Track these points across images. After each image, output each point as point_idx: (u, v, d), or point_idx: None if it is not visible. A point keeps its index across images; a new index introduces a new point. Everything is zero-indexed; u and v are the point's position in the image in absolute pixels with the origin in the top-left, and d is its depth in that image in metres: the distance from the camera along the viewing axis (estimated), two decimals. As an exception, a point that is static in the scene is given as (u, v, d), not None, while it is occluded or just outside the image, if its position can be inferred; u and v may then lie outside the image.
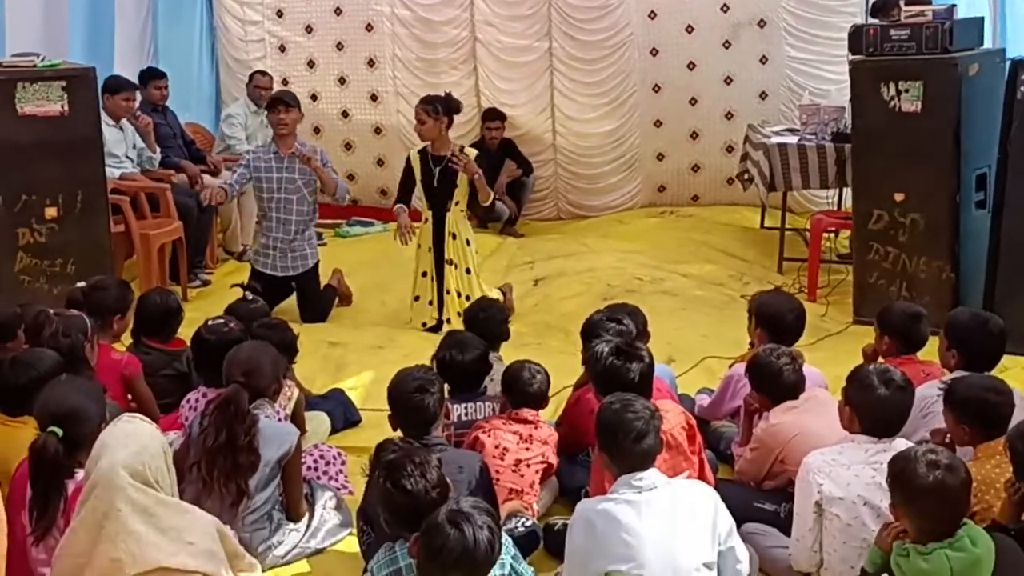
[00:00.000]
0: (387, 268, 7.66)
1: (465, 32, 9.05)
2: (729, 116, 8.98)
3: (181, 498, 3.31)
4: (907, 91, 6.12)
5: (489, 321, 5.01)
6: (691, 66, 8.92)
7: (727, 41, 8.81)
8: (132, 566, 2.95)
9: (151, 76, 8.12)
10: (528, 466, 4.16)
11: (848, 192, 7.43)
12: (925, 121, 6.09)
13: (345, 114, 9.43)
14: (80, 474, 3.27)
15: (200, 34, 9.41)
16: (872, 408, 3.54)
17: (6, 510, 2.84)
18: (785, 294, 5.20)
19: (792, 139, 7.61)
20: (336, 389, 5.48)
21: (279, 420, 4.14)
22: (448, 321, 6.43)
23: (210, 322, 4.58)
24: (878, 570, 2.99)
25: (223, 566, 3.21)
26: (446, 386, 4.10)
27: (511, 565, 3.18)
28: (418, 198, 6.74)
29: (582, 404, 4.26)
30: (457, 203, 6.52)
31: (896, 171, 6.26)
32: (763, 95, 8.86)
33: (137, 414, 3.49)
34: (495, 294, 6.54)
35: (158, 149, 7.84)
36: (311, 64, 9.39)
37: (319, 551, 4.06)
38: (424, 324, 6.59)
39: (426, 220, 6.60)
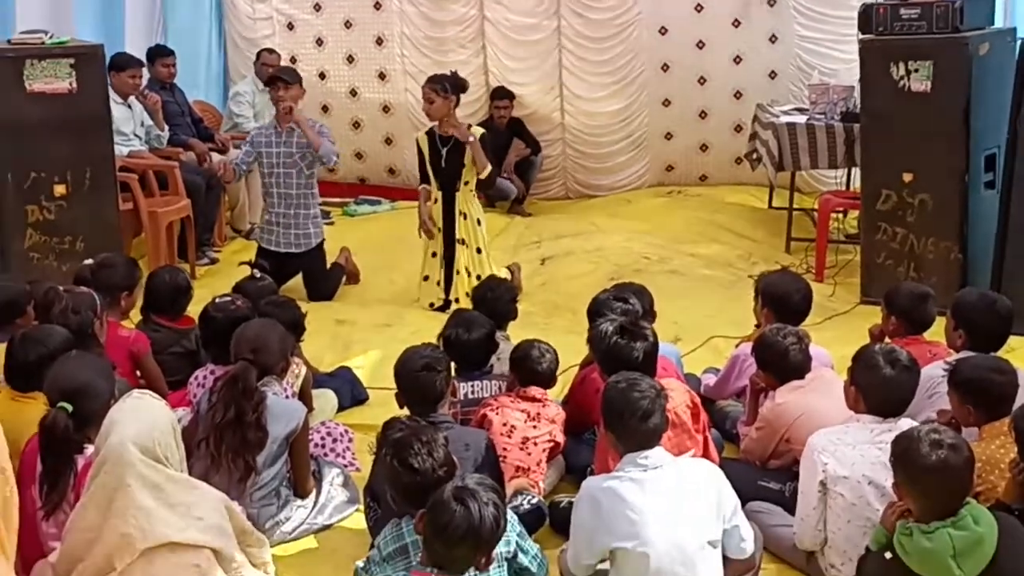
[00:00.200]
0: (395, 247, 7.68)
1: (473, 10, 9.02)
2: (738, 95, 8.94)
3: (190, 474, 3.34)
4: (917, 71, 6.09)
5: (497, 300, 5.02)
6: (700, 45, 8.88)
7: (736, 20, 8.77)
8: (142, 541, 2.97)
9: (158, 54, 8.11)
10: (535, 444, 4.17)
11: (857, 172, 7.41)
12: (935, 101, 6.06)
13: (353, 92, 9.42)
14: (90, 449, 3.30)
15: (208, 12, 9.39)
16: (878, 388, 3.55)
17: (16, 485, 2.86)
18: (792, 274, 5.20)
19: (801, 119, 7.58)
20: (343, 367, 5.50)
21: (287, 397, 4.17)
22: (456, 301, 6.44)
23: (217, 300, 4.62)
24: (882, 549, 3.01)
25: (231, 541, 3.23)
26: (453, 365, 4.12)
27: (516, 542, 3.20)
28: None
29: (588, 383, 4.27)
30: (467, 183, 6.51)
31: (905, 151, 6.24)
32: (772, 74, 8.82)
33: (146, 390, 3.52)
34: (504, 273, 6.55)
35: (166, 127, 7.85)
36: (319, 42, 9.38)
37: (326, 527, 4.10)
38: (432, 304, 6.61)
39: (436, 200, 6.60)
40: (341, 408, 5.09)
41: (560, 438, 4.28)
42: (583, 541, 3.25)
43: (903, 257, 6.37)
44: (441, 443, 3.22)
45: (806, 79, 8.39)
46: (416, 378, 3.77)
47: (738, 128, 8.95)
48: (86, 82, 6.10)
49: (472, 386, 4.40)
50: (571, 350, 4.88)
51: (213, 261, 7.71)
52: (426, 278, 6.70)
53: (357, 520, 4.12)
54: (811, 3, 8.54)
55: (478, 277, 6.34)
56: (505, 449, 4.08)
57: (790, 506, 3.78)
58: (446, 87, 6.43)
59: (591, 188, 9.35)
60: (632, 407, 3.23)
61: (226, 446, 3.82)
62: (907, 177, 6.26)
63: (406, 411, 3.85)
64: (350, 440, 4.67)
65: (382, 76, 9.31)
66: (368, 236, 8.11)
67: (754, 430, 4.18)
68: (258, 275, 5.39)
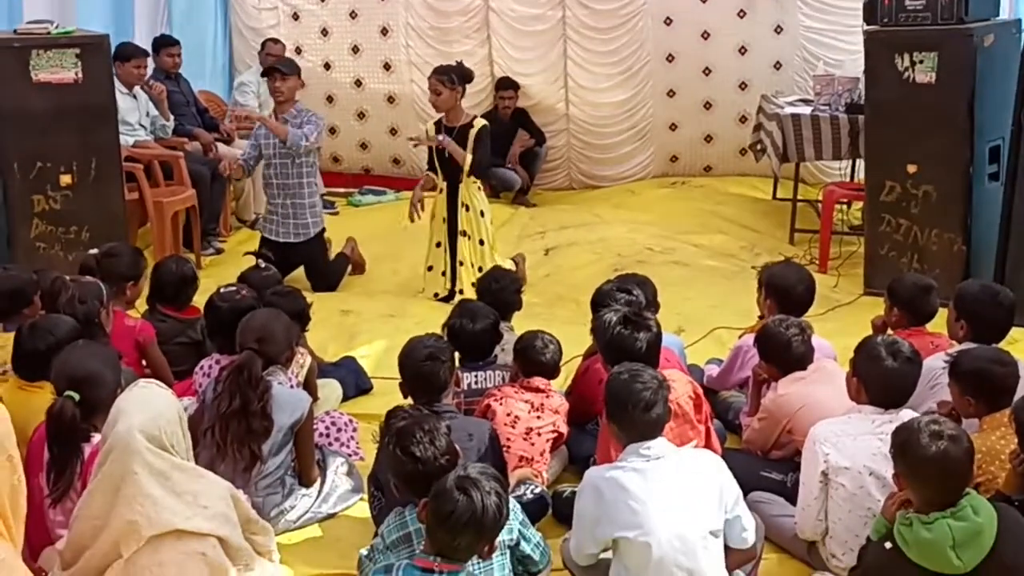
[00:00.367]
0: (399, 237, 7.69)
1: (478, 1, 9.00)
2: (743, 86, 8.94)
3: (195, 463, 3.35)
4: (921, 62, 6.09)
5: (502, 291, 5.03)
6: (705, 35, 8.87)
7: (742, 10, 8.75)
8: (148, 528, 2.99)
9: (163, 43, 8.12)
10: (539, 434, 4.19)
11: (861, 163, 7.41)
12: (939, 92, 6.06)
13: (358, 83, 9.42)
14: (96, 438, 3.33)
15: (213, 2, 9.38)
16: (879, 379, 3.57)
17: (24, 473, 2.89)
18: (795, 265, 5.21)
19: (805, 110, 7.58)
20: (348, 357, 5.52)
21: (291, 387, 4.19)
22: (461, 292, 6.46)
23: (223, 289, 4.63)
24: (883, 539, 3.02)
25: (237, 530, 3.24)
26: (457, 355, 4.14)
27: (519, 531, 3.22)
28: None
29: (591, 374, 4.29)
30: (469, 175, 6.52)
31: (909, 143, 6.24)
32: (777, 65, 8.81)
33: (152, 380, 3.54)
34: (508, 264, 6.56)
35: (171, 117, 7.87)
36: (324, 32, 9.38)
37: (331, 516, 4.14)
38: (436, 294, 6.63)
39: (441, 191, 6.62)
40: (346, 398, 5.11)
41: (563, 428, 4.29)
42: (586, 530, 3.27)
43: (907, 249, 6.38)
44: (443, 432, 3.24)
45: (811, 70, 8.38)
46: (420, 368, 3.79)
47: (743, 119, 8.95)
48: (92, 72, 6.13)
49: (476, 376, 4.42)
50: (575, 341, 4.89)
51: (218, 251, 7.74)
52: (431, 268, 6.71)
53: (361, 509, 4.14)
54: (817, -7, 8.54)
55: (480, 269, 6.36)
56: (509, 439, 4.10)
57: (792, 496, 3.80)
58: (453, 78, 6.44)
59: (595, 179, 9.36)
60: (634, 398, 3.24)
61: (231, 435, 3.84)
62: (911, 168, 6.27)
63: (410, 401, 3.87)
64: (354, 430, 4.70)
65: (387, 66, 9.31)
66: (373, 226, 8.13)
67: (756, 421, 4.19)
68: (263, 265, 5.41)
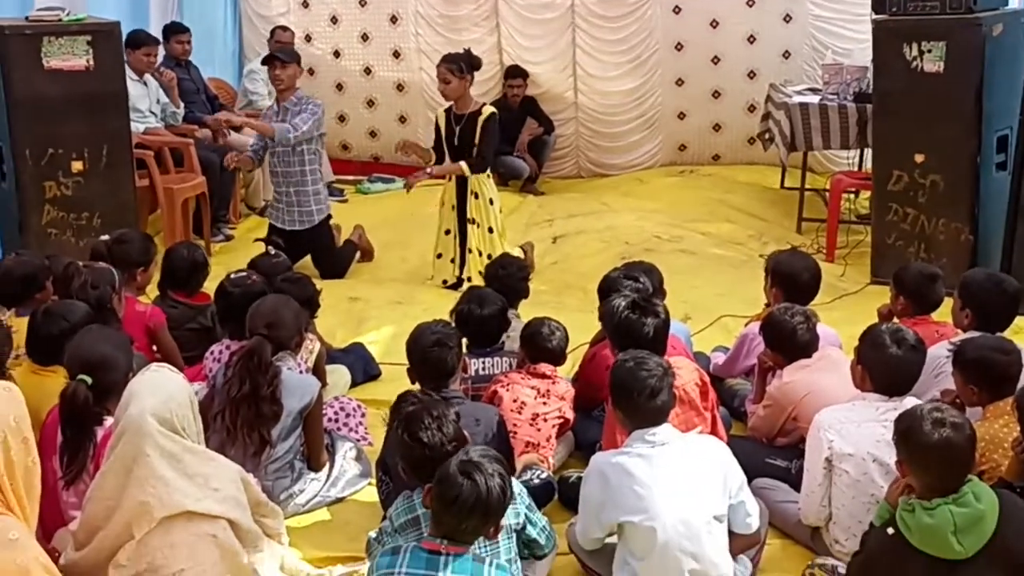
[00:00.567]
0: (408, 224, 7.73)
1: (488, -12, 9.02)
2: (752, 75, 8.93)
3: (206, 447, 3.39)
4: (930, 51, 6.09)
5: (509, 278, 5.06)
6: (714, 24, 8.87)
7: (751, -1, 8.76)
8: (159, 509, 3.03)
9: (173, 31, 8.15)
10: (545, 420, 4.23)
11: (869, 153, 7.41)
12: (947, 82, 6.06)
13: (368, 71, 9.44)
14: (109, 421, 3.37)
15: (224, -11, 9.42)
16: (884, 367, 3.59)
17: (38, 456, 2.93)
18: (801, 253, 5.22)
19: (814, 99, 7.58)
20: (356, 343, 5.56)
21: (301, 372, 4.23)
22: (469, 279, 6.48)
23: (233, 275, 4.67)
24: (885, 524, 3.05)
25: (247, 513, 3.28)
26: (464, 341, 4.17)
27: (526, 515, 3.27)
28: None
29: (598, 360, 4.32)
30: (475, 172, 6.53)
31: (917, 132, 6.24)
32: (786, 54, 8.80)
33: (164, 363, 3.58)
34: (517, 252, 6.59)
35: (181, 104, 7.89)
36: (334, 20, 9.39)
37: (339, 500, 4.18)
38: (445, 281, 6.66)
39: (450, 178, 6.64)
40: (354, 384, 5.15)
41: (569, 415, 4.33)
42: (591, 515, 3.31)
43: (914, 238, 6.39)
44: (451, 418, 3.27)
45: (820, 59, 8.37)
46: (428, 353, 3.82)
47: (751, 108, 8.95)
48: (103, 59, 6.15)
49: (483, 362, 4.45)
50: (582, 328, 4.92)
51: (228, 238, 7.78)
52: (439, 256, 6.74)
53: (369, 493, 4.19)
54: (826, -18, 8.53)
55: (489, 257, 6.37)
56: (515, 425, 4.14)
57: (796, 483, 3.83)
58: (462, 67, 6.44)
59: (604, 167, 9.37)
60: (640, 385, 3.27)
61: (241, 420, 3.89)
62: (919, 158, 6.27)
63: (418, 386, 3.90)
64: (363, 415, 4.74)
65: (396, 54, 9.33)
66: (381, 214, 8.16)
67: (761, 408, 4.22)
68: (273, 252, 5.44)
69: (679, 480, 3.21)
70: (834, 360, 4.12)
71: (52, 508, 3.36)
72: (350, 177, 9.35)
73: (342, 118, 9.54)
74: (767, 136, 8.30)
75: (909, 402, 3.48)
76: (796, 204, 7.77)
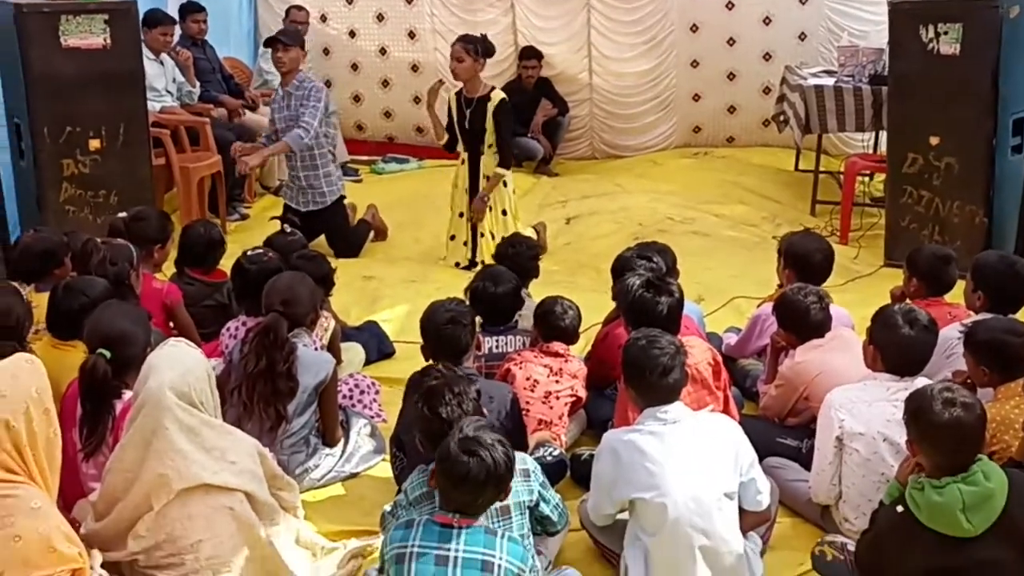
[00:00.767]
0: (421, 205, 7.75)
1: (503, -30, 9.01)
2: (767, 57, 8.92)
3: (223, 421, 3.44)
4: (946, 33, 6.07)
5: (519, 257, 5.08)
6: (730, 6, 8.86)
7: (767, -20, 8.74)
8: (178, 481, 3.08)
9: (189, 10, 8.17)
10: (557, 398, 4.26)
11: (884, 135, 7.39)
12: (963, 64, 6.04)
13: (383, 51, 9.45)
14: (127, 394, 3.41)
15: (239, -32, 9.43)
16: (896, 347, 3.60)
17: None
18: (815, 235, 5.23)
19: (829, 81, 7.57)
20: (370, 321, 5.60)
21: (316, 349, 4.26)
22: (482, 262, 6.50)
23: (249, 252, 4.70)
24: (894, 502, 3.07)
25: (263, 486, 3.33)
26: (478, 319, 4.20)
27: (539, 492, 3.30)
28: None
29: (611, 339, 4.35)
30: (490, 146, 6.54)
31: (932, 114, 6.23)
32: (802, 36, 8.79)
33: (182, 338, 3.62)
34: (530, 233, 6.60)
35: (197, 83, 7.93)
36: (349, 0, 9.40)
37: (353, 475, 4.23)
38: (458, 263, 6.68)
39: (463, 160, 6.66)
40: (368, 362, 5.19)
41: (582, 393, 4.36)
42: (603, 491, 3.34)
43: (928, 221, 6.38)
44: (472, 396, 3.29)
45: (836, 41, 8.36)
46: (442, 331, 3.85)
47: (766, 90, 8.94)
48: (120, 38, 6.20)
49: (497, 341, 4.48)
50: (594, 308, 4.95)
51: (243, 217, 7.82)
52: (452, 237, 6.76)
53: (383, 469, 4.23)
54: (842, -37, 8.50)
55: (503, 238, 6.39)
56: (528, 403, 4.17)
57: (806, 463, 3.85)
58: (477, 48, 6.44)
59: (618, 149, 9.37)
60: (652, 363, 3.29)
61: (258, 395, 3.94)
62: (934, 140, 6.26)
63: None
64: (377, 392, 4.78)
65: (412, 35, 9.33)
66: (396, 194, 8.19)
67: (773, 387, 4.24)
68: (288, 230, 5.48)
69: (691, 457, 3.23)
70: (846, 340, 4.13)
71: (72, 480, 3.40)
72: (364, 157, 9.37)
73: (357, 98, 9.57)
74: (782, 118, 8.29)
75: (920, 382, 3.49)
76: (810, 186, 7.77)
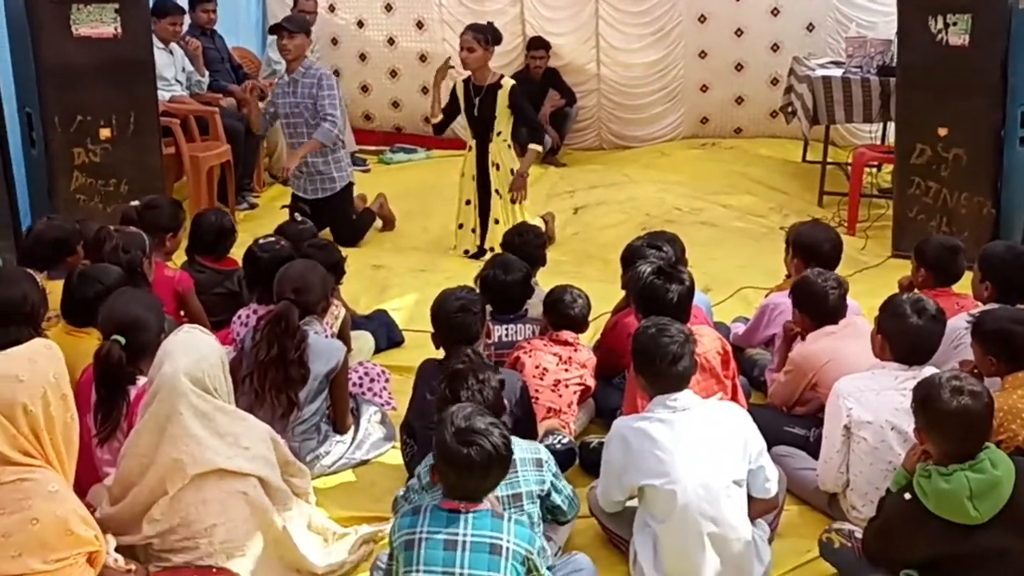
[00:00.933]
0: (429, 195, 7.77)
1: (511, -41, 9.01)
2: (775, 48, 8.92)
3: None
4: (955, 24, 6.07)
5: (526, 245, 5.09)
6: (738, -4, 8.85)
7: (775, -29, 8.73)
8: (192, 466, 3.11)
9: (199, 0, 8.18)
10: (567, 387, 4.28)
11: (892, 126, 7.39)
12: (972, 55, 6.04)
13: (391, 41, 9.45)
14: (142, 380, 3.44)
15: (248, -42, 9.44)
16: (904, 336, 3.62)
17: (74, 413, 3.01)
18: (822, 225, 5.24)
19: (837, 72, 7.57)
20: (380, 310, 5.62)
21: (327, 337, 4.29)
22: (491, 249, 6.53)
23: (261, 240, 4.73)
24: (902, 490, 3.09)
25: (276, 472, 3.36)
26: (488, 307, 4.22)
27: (551, 482, 3.33)
28: (462, 127, 6.80)
29: (620, 328, 4.37)
30: (499, 133, 6.57)
31: (941, 105, 6.23)
32: (810, 27, 8.78)
33: (196, 325, 3.65)
34: (538, 222, 6.62)
35: (206, 73, 7.95)
36: (358, -12, 9.41)
37: (364, 462, 4.26)
38: (467, 251, 6.71)
39: (470, 148, 6.68)
40: (378, 350, 5.22)
41: (591, 382, 4.38)
42: (613, 478, 3.37)
43: (936, 212, 6.39)
44: (494, 385, 3.31)
45: (844, 31, 8.35)
46: (452, 319, 3.87)
47: (774, 81, 8.94)
48: (130, 27, 6.21)
49: (507, 329, 4.50)
50: (602, 298, 4.97)
51: (252, 206, 7.85)
52: (460, 226, 6.79)
53: (393, 456, 4.27)
54: (851, -46, 8.49)
55: (510, 228, 6.40)
56: (537, 391, 4.20)
57: (814, 451, 3.87)
58: (487, 38, 6.46)
59: (626, 139, 9.38)
60: (662, 351, 3.31)
61: (269, 382, 3.96)
62: (942, 132, 6.26)
63: (442, 352, 3.95)
64: (387, 380, 4.80)
65: (420, 25, 9.34)
66: (403, 184, 8.20)
67: (783, 374, 4.26)
68: (299, 218, 5.50)
69: (700, 445, 3.25)
70: (858, 328, 4.14)
71: (86, 465, 3.42)
72: (372, 147, 9.39)
73: (365, 88, 9.58)
74: (790, 109, 8.29)
75: (928, 371, 3.51)
76: (818, 177, 7.78)
